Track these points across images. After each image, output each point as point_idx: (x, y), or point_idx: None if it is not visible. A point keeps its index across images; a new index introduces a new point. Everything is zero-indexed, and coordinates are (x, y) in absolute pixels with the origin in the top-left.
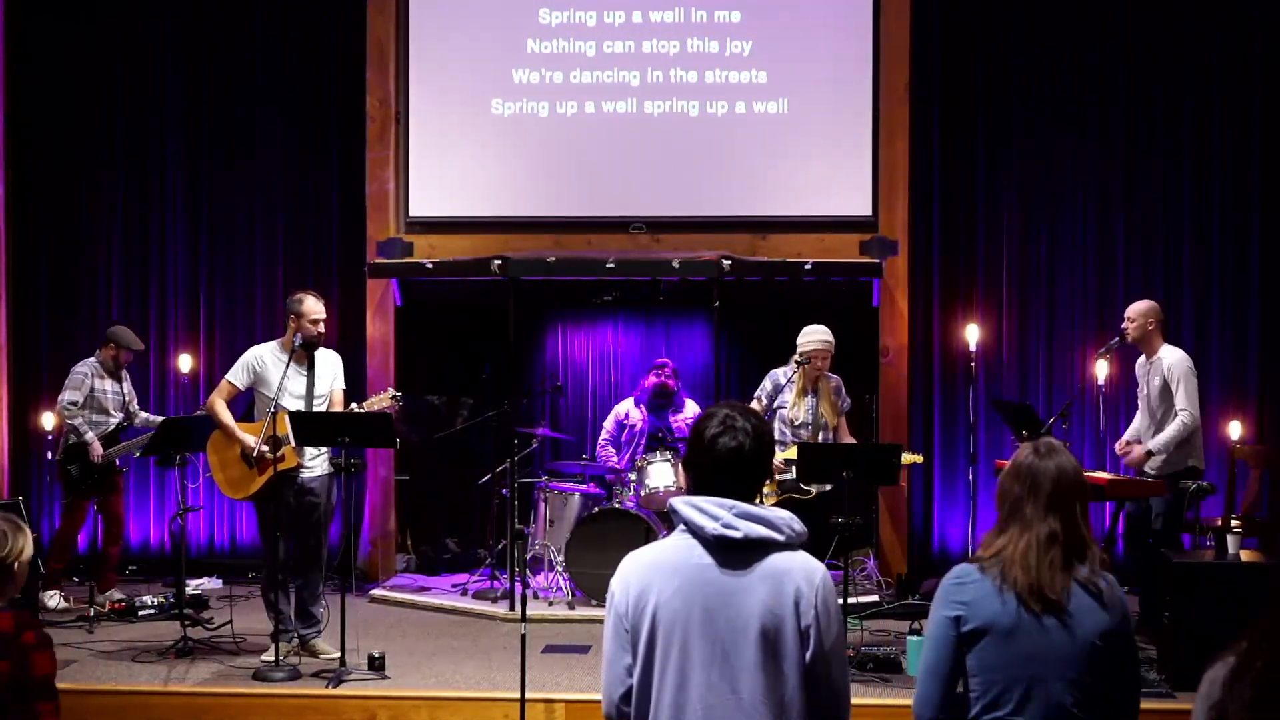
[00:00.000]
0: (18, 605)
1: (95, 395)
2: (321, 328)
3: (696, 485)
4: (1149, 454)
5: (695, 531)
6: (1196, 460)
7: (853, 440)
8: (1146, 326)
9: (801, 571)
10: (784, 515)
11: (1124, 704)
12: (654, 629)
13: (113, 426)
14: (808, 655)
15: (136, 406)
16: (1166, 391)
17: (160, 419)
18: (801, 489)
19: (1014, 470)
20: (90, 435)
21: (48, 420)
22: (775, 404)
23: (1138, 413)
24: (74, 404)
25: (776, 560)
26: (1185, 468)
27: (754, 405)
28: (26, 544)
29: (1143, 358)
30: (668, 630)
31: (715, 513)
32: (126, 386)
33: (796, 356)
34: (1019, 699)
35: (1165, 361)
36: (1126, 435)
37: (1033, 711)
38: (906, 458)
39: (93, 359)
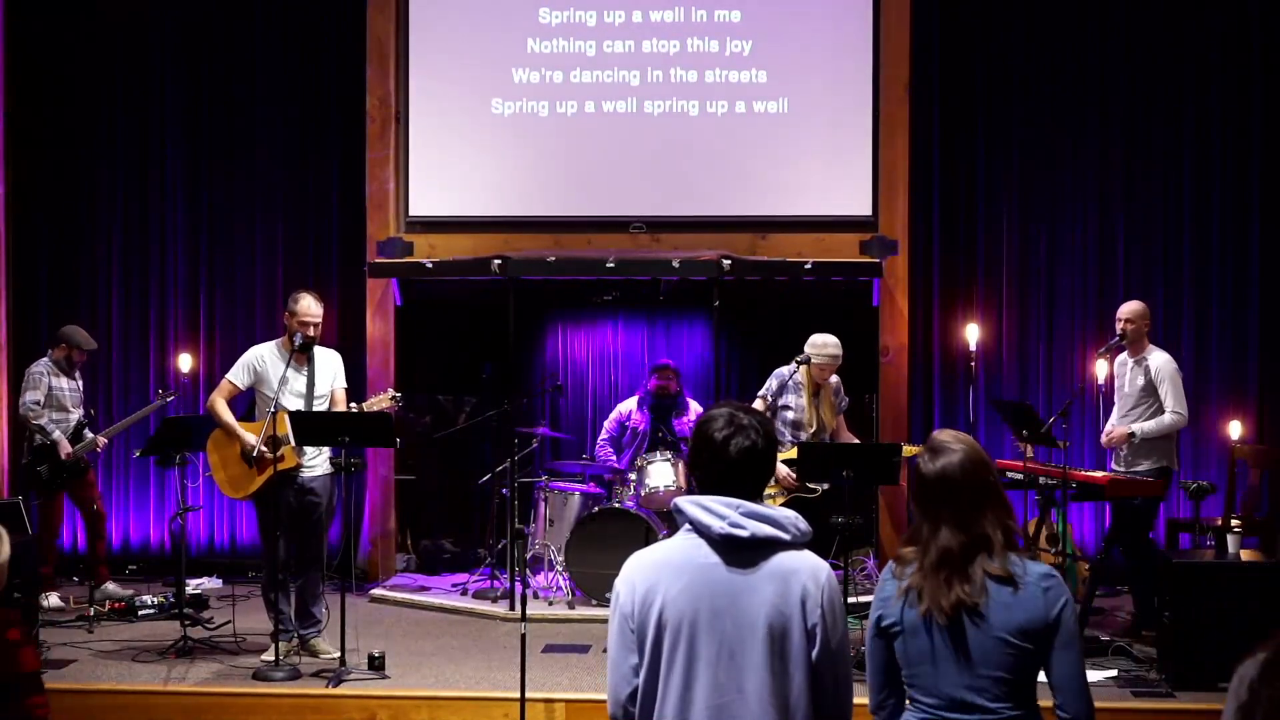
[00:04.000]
0: (4, 602)
1: (54, 393)
2: (313, 331)
3: (704, 486)
4: (1131, 435)
5: (702, 531)
6: (1170, 462)
7: (854, 439)
8: (1142, 327)
9: (808, 570)
10: (790, 514)
11: (1065, 695)
12: (660, 628)
13: (74, 423)
14: (814, 654)
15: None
16: (1150, 390)
17: (103, 439)
18: (807, 488)
19: (911, 479)
20: (58, 434)
21: None
22: (780, 403)
23: (1114, 411)
24: (37, 404)
25: (783, 559)
26: (1158, 468)
27: (757, 404)
28: (4, 546)
29: (1124, 355)
30: (674, 630)
31: (722, 512)
32: (81, 384)
33: (801, 356)
34: (933, 693)
35: (1152, 363)
36: (1106, 428)
37: (946, 705)
38: (906, 449)
39: (46, 359)
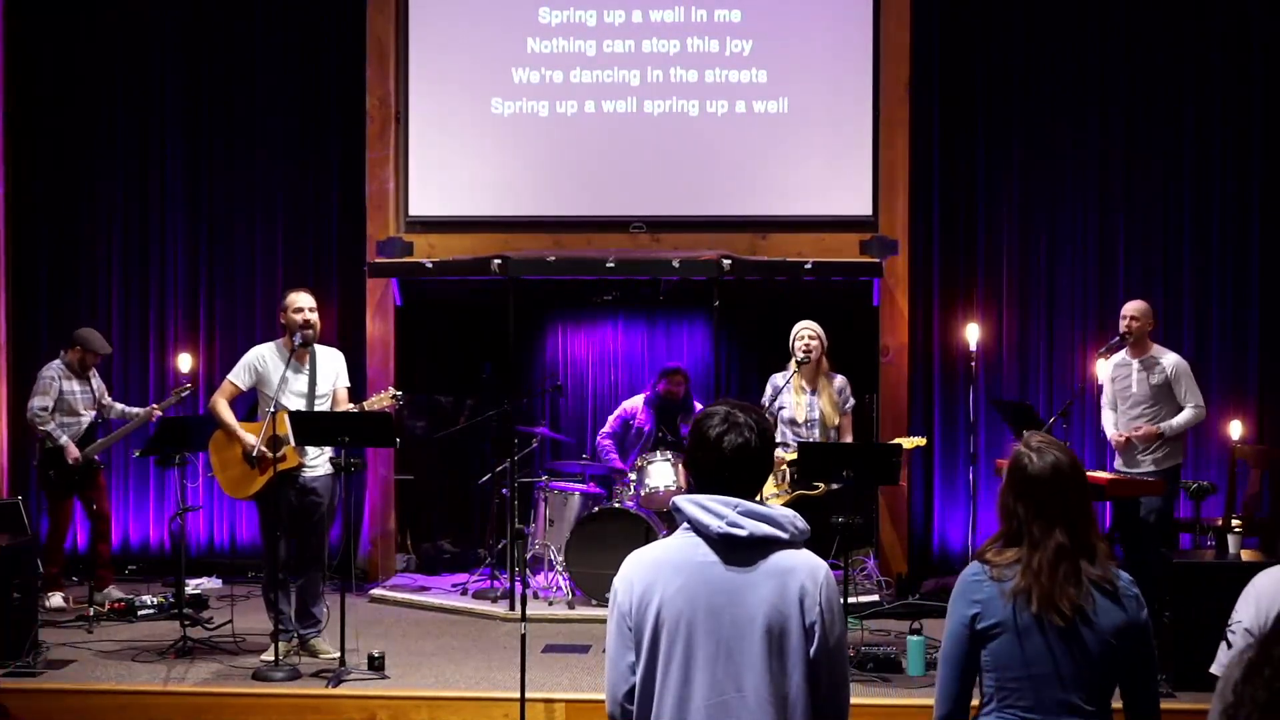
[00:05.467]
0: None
1: (64, 397)
2: (307, 316)
3: (700, 484)
4: (1160, 434)
5: (700, 530)
6: (1182, 459)
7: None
8: (1147, 326)
9: (806, 569)
10: (788, 513)
11: (1143, 697)
12: (658, 627)
13: (85, 426)
14: (811, 652)
15: (110, 400)
16: (1165, 390)
17: (137, 410)
18: (811, 485)
19: (1010, 481)
20: (64, 439)
21: None
22: (776, 406)
23: (1110, 411)
24: (44, 409)
25: (781, 558)
26: (1172, 466)
27: None
28: None
29: (1123, 355)
30: (671, 628)
31: (720, 511)
32: (96, 383)
33: (795, 357)
34: (1032, 696)
35: (1167, 363)
36: (1113, 432)
37: (1044, 708)
38: (909, 441)
39: (58, 361)
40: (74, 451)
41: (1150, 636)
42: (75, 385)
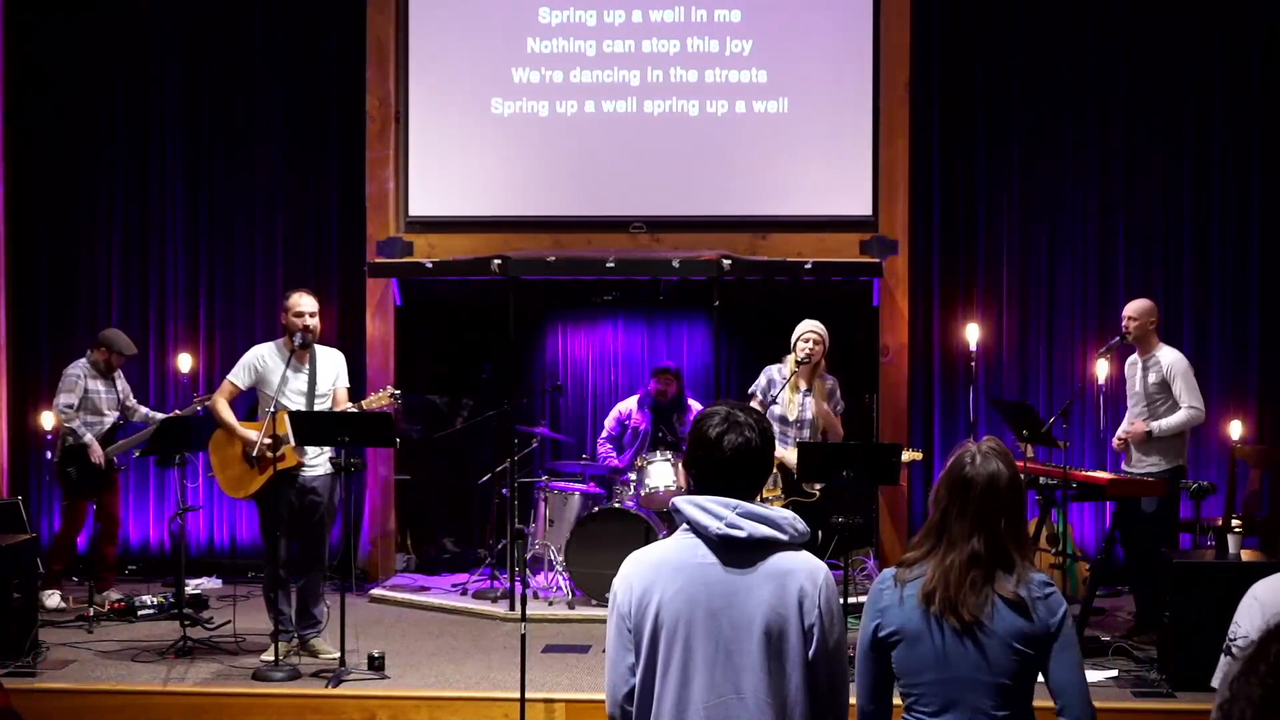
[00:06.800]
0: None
1: (89, 396)
2: (308, 320)
3: (699, 484)
4: (1149, 433)
5: (699, 531)
6: (1184, 460)
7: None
8: (1147, 325)
9: (805, 571)
10: (787, 515)
11: (1070, 701)
12: (657, 628)
13: (108, 426)
14: (810, 654)
15: (134, 402)
16: (1164, 388)
17: (161, 415)
18: (805, 491)
19: (947, 476)
20: (89, 437)
21: (47, 420)
22: (769, 398)
23: (1128, 412)
24: (70, 407)
25: (780, 560)
26: (1174, 466)
27: (752, 404)
28: None
29: (1134, 355)
30: (670, 630)
31: (719, 512)
32: (121, 385)
33: (795, 356)
34: (937, 701)
35: (1164, 361)
36: (1120, 431)
37: (951, 713)
38: (906, 455)
39: (84, 360)
40: (98, 451)
41: (1064, 636)
42: (100, 385)
